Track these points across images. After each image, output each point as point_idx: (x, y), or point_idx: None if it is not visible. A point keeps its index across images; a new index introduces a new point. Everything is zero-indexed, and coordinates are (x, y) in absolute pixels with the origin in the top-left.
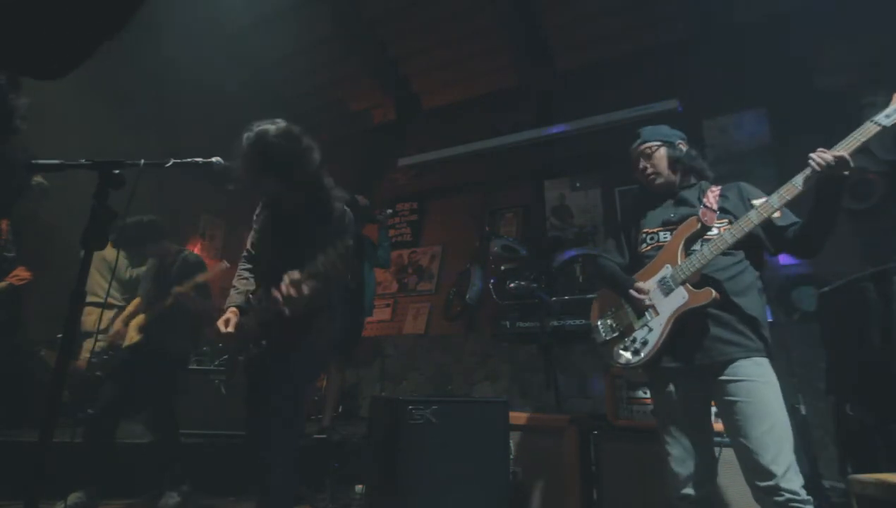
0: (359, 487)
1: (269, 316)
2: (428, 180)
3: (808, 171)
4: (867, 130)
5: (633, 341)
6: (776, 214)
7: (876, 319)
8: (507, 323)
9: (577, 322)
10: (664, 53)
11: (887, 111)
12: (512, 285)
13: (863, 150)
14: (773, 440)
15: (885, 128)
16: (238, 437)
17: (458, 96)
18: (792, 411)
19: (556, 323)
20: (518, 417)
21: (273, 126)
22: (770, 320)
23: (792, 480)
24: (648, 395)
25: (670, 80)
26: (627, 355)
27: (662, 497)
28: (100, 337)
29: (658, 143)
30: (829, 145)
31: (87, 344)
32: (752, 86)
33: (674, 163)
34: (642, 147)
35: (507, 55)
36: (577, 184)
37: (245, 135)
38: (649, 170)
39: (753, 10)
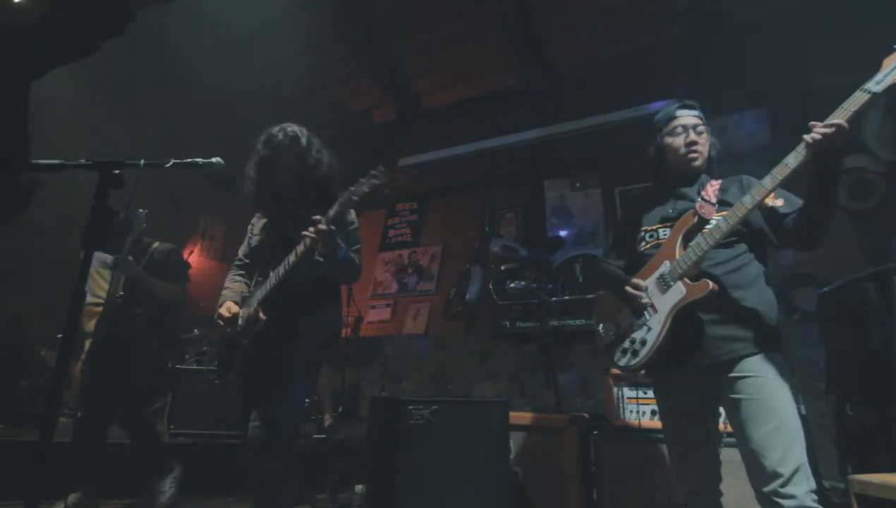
0: (359, 487)
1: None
2: (428, 180)
3: (800, 148)
4: (857, 99)
5: (633, 342)
6: (779, 202)
7: (876, 319)
8: (507, 323)
9: (577, 322)
10: (664, 53)
11: (877, 77)
12: (512, 285)
13: (861, 148)
14: (780, 440)
15: (875, 95)
16: (237, 437)
17: (458, 96)
18: None
19: (556, 323)
20: (518, 417)
21: (303, 131)
22: None
23: (798, 484)
24: (648, 395)
25: (670, 80)
26: (626, 357)
27: (662, 497)
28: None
29: (707, 127)
30: None
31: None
32: (752, 86)
33: (710, 151)
34: (697, 120)
35: (507, 55)
36: (577, 184)
37: (281, 134)
38: (698, 147)
39: (753, 10)
